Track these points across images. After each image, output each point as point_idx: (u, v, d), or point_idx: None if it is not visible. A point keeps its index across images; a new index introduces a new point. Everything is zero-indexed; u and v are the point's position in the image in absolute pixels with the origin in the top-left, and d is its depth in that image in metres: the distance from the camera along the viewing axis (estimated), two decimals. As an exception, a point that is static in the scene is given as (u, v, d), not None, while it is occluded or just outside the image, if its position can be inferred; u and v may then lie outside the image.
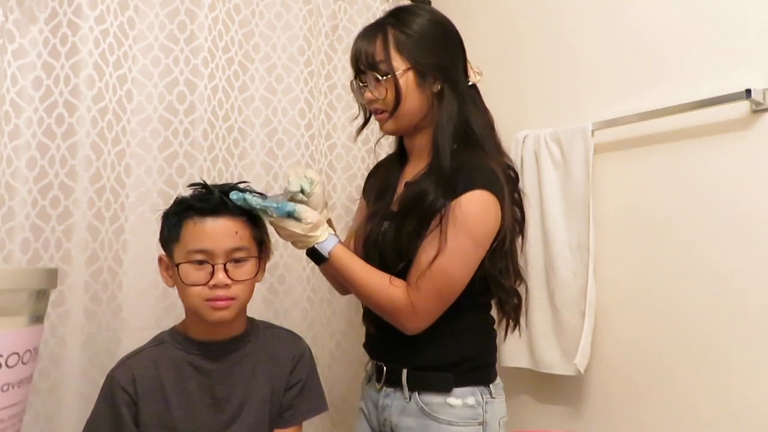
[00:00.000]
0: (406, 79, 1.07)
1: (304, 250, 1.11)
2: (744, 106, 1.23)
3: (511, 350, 1.55)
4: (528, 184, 1.55)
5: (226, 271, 1.00)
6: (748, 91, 1.18)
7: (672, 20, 1.36)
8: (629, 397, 1.40)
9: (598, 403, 1.46)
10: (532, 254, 1.52)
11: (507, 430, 1.16)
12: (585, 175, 1.43)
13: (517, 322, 1.18)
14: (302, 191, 1.07)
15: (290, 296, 1.55)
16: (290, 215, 1.03)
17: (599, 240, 1.44)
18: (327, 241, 1.08)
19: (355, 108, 1.63)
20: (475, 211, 1.03)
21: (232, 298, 1.01)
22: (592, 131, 1.44)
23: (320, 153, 1.65)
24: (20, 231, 1.22)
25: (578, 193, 1.45)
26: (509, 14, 1.73)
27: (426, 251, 1.04)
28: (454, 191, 1.03)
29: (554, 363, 1.47)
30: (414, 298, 1.04)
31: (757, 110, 1.22)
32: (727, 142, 1.26)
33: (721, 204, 1.26)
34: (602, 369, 1.45)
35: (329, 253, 1.08)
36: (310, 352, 1.19)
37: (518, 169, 1.58)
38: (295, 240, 1.08)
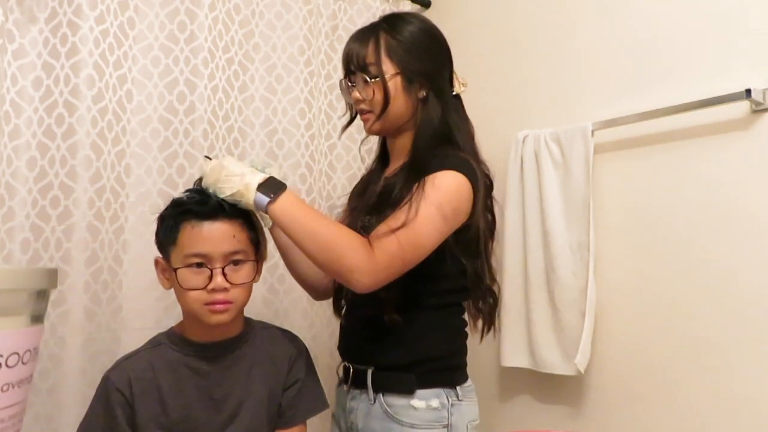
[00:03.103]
0: (395, 83, 1.10)
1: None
2: (744, 106, 1.23)
3: (511, 350, 1.55)
4: (528, 184, 1.55)
5: (224, 274, 1.00)
6: (748, 91, 1.18)
7: (672, 20, 1.36)
8: (629, 397, 1.40)
9: (598, 403, 1.46)
10: (532, 254, 1.52)
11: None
12: (585, 175, 1.43)
13: (492, 323, 1.17)
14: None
15: (290, 296, 1.55)
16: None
17: (599, 240, 1.44)
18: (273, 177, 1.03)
19: (355, 108, 1.64)
20: (447, 184, 1.03)
21: (231, 302, 1.01)
22: (592, 131, 1.44)
23: (320, 153, 1.65)
24: (20, 231, 1.22)
25: (578, 193, 1.45)
26: (510, 15, 1.73)
27: (395, 216, 1.01)
28: (425, 172, 1.04)
29: (554, 363, 1.47)
30: (376, 250, 0.98)
31: (757, 110, 1.22)
32: (727, 142, 1.26)
33: (721, 204, 1.26)
34: (602, 369, 1.45)
35: (285, 188, 1.02)
36: (308, 351, 1.19)
37: (518, 169, 1.58)
38: (242, 173, 1.01)
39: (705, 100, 1.25)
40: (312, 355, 1.20)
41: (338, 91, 1.69)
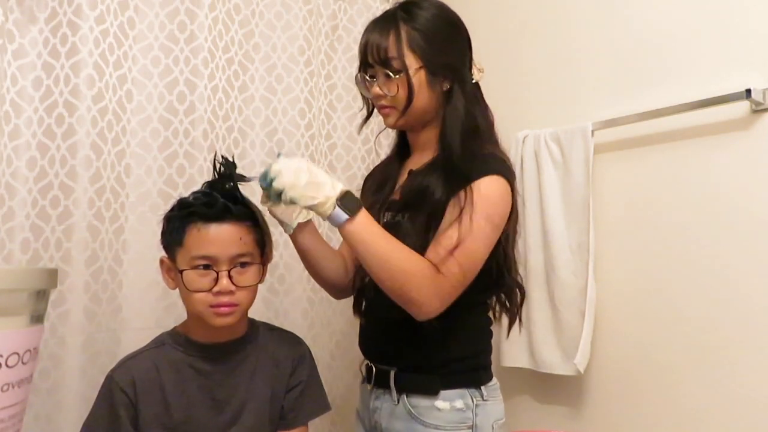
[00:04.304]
0: (419, 77, 1.06)
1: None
2: (744, 106, 1.23)
3: (511, 350, 1.55)
4: (528, 184, 1.55)
5: (230, 277, 1.00)
6: (748, 91, 1.18)
7: (672, 20, 1.36)
8: (629, 397, 1.40)
9: (598, 403, 1.46)
10: (532, 254, 1.52)
11: (506, 432, 1.14)
12: (585, 175, 1.43)
13: (518, 317, 1.16)
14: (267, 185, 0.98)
15: (290, 296, 1.55)
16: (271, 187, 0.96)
17: (599, 240, 1.44)
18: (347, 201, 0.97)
19: (355, 108, 1.64)
20: (493, 194, 1.03)
21: (236, 305, 1.01)
22: (592, 131, 1.44)
23: (320, 153, 1.65)
24: (20, 231, 1.22)
25: (578, 193, 1.44)
26: (509, 14, 1.73)
27: (447, 235, 1.00)
28: (468, 178, 1.02)
29: (554, 363, 1.47)
30: (442, 276, 0.99)
31: (757, 110, 1.22)
32: (727, 142, 1.26)
33: (721, 204, 1.26)
34: (602, 369, 1.45)
35: (362, 206, 0.98)
36: (311, 354, 1.19)
37: (518, 169, 1.58)
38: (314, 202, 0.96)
39: (705, 100, 1.25)
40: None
41: (338, 91, 1.69)
